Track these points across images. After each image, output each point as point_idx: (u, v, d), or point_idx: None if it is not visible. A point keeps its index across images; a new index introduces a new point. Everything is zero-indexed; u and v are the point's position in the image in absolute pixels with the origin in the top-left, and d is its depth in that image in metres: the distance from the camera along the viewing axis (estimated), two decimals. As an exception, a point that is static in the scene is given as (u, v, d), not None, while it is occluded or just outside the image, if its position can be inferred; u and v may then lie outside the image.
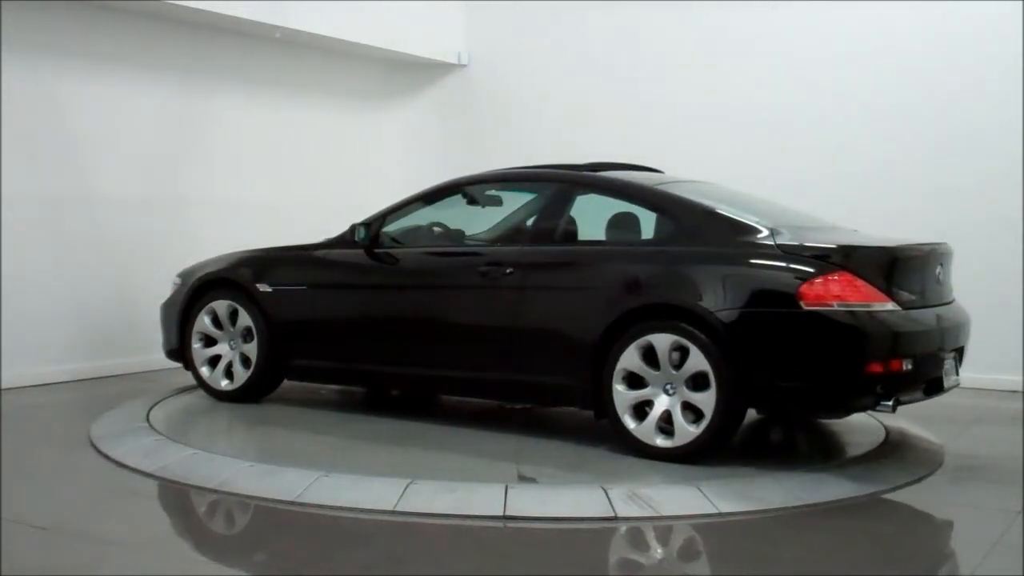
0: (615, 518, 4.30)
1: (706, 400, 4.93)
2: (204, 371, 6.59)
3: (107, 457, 5.24)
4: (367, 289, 6.19)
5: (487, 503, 4.41)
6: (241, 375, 6.45)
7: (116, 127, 7.78)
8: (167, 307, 6.80)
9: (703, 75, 8.68)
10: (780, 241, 5.03)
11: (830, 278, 4.80)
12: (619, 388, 5.16)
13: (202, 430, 5.71)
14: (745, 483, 4.71)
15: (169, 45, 8.13)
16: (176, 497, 4.65)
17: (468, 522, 4.26)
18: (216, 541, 4.19)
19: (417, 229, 6.25)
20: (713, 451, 4.98)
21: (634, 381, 5.14)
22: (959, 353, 5.37)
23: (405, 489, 4.50)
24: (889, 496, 4.76)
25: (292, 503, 4.47)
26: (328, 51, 9.23)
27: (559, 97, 9.34)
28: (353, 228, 6.16)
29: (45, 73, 7.37)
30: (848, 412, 5.45)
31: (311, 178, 9.20)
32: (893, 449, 5.49)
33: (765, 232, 5.10)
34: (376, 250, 6.11)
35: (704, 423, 4.95)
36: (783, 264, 4.92)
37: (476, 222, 6.35)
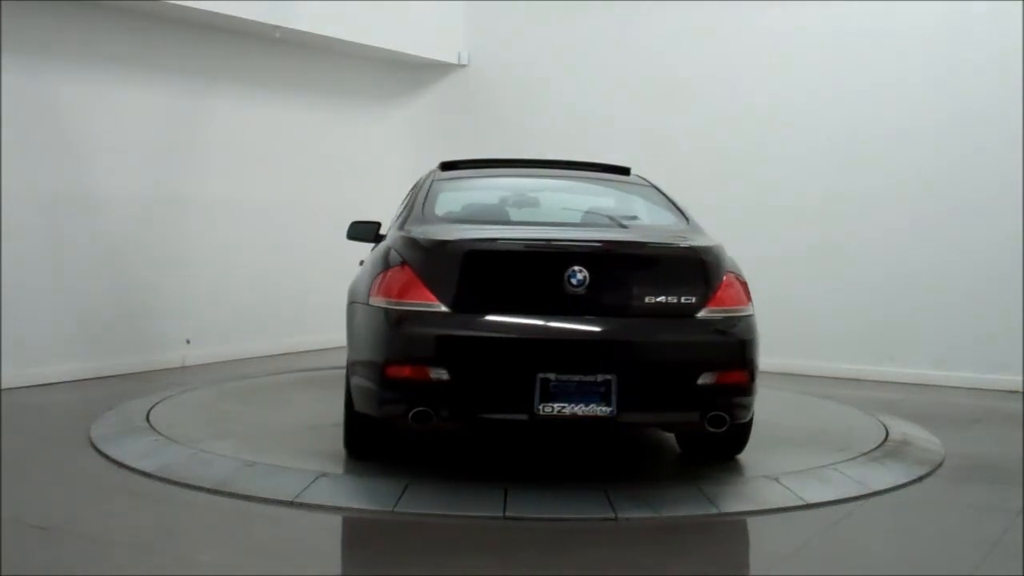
0: (615, 519, 4.31)
1: None
2: None
3: (107, 457, 5.24)
4: None
5: (487, 503, 4.41)
6: None
7: (115, 127, 7.77)
8: None
9: (702, 75, 8.68)
10: (410, 235, 4.80)
11: (387, 273, 4.65)
12: None
13: (202, 430, 5.71)
14: (744, 483, 4.71)
15: (169, 45, 8.12)
16: (176, 497, 4.64)
17: (468, 522, 4.27)
18: (216, 541, 4.19)
19: None
20: (360, 452, 5.07)
21: None
22: (631, 376, 4.42)
23: (405, 489, 4.51)
24: (889, 496, 4.76)
25: (292, 503, 4.48)
26: (328, 51, 9.22)
27: (558, 97, 9.34)
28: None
29: (45, 73, 7.36)
30: (392, 420, 4.75)
31: (311, 178, 9.20)
32: (893, 449, 5.49)
33: (418, 225, 4.91)
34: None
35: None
36: (382, 258, 4.86)
37: None
